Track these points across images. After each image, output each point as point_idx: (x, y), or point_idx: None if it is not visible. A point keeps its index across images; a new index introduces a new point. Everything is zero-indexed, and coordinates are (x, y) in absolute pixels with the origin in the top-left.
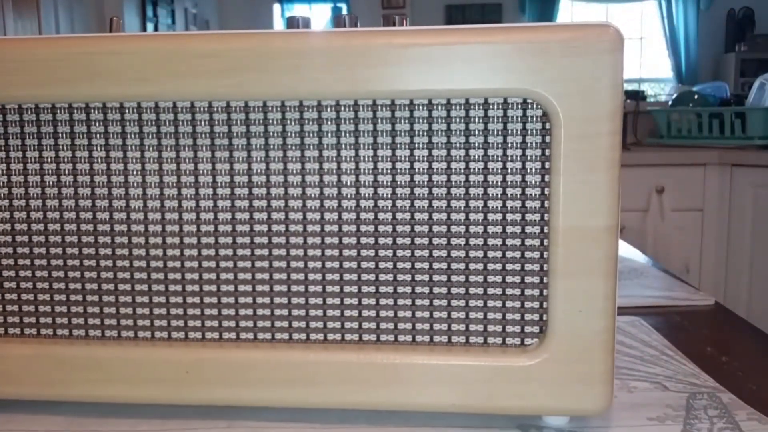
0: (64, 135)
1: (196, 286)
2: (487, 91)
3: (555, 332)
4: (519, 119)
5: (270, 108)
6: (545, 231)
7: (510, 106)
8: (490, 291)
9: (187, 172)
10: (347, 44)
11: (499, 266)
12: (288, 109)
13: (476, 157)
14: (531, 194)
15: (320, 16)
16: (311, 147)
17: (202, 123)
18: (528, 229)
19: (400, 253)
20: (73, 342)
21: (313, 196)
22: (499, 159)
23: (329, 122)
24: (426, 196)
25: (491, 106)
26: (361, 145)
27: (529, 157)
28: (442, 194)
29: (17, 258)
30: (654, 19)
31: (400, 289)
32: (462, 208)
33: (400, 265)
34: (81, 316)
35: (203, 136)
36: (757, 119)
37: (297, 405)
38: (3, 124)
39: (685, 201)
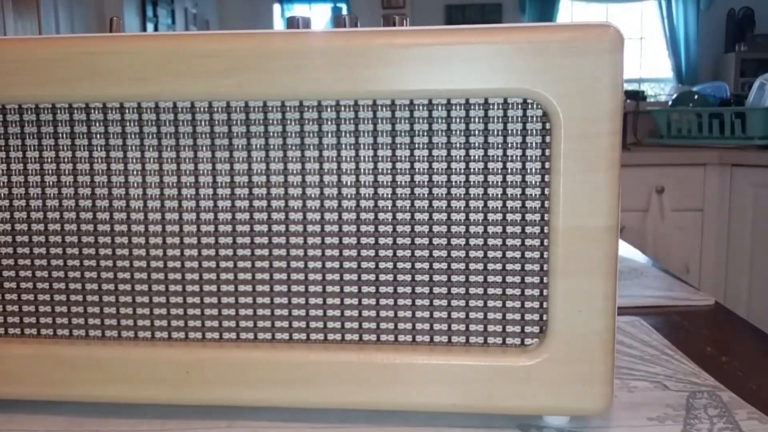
0: (64, 135)
1: (197, 286)
2: (487, 91)
3: (555, 332)
4: (519, 119)
5: (270, 108)
6: (545, 231)
7: (510, 106)
8: (491, 291)
9: (188, 172)
10: (347, 44)
11: (499, 266)
12: (288, 109)
13: (476, 157)
14: (531, 194)
15: (320, 17)
16: (311, 147)
17: (203, 123)
18: (528, 229)
19: (400, 253)
20: (73, 342)
21: (313, 196)
22: (499, 159)
23: (329, 122)
24: (426, 196)
25: (491, 106)
26: (361, 145)
27: (529, 157)
28: (442, 194)
29: (17, 258)
30: (654, 19)
31: (401, 289)
32: (462, 208)
33: (400, 264)
34: (81, 316)
35: (203, 136)
36: (757, 119)
37: (297, 405)
38: (3, 124)
39: (685, 201)
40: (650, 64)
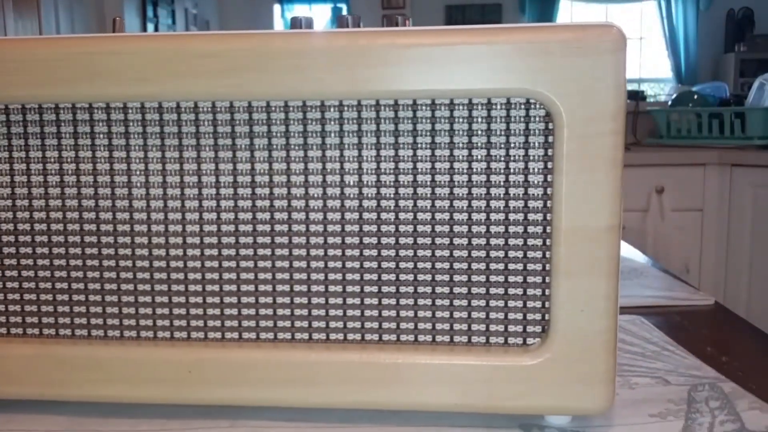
0: (67, 135)
1: (199, 286)
2: (490, 91)
3: (557, 332)
4: (522, 119)
5: (273, 108)
6: (548, 231)
7: (513, 106)
8: (493, 291)
9: (190, 172)
10: (350, 44)
11: (501, 266)
12: (291, 109)
13: (479, 157)
14: (533, 194)
15: (320, 17)
16: (314, 147)
17: (205, 123)
18: (530, 229)
19: (402, 252)
20: (75, 342)
21: (315, 196)
22: (502, 159)
23: (332, 122)
24: (428, 195)
25: (494, 106)
26: (364, 145)
27: (531, 157)
28: (444, 194)
29: (20, 258)
30: (653, 20)
31: (403, 289)
32: (464, 208)
33: (402, 264)
34: (83, 316)
35: (206, 136)
36: (756, 119)
37: (299, 405)
38: (6, 124)
39: (685, 201)
40: (650, 64)
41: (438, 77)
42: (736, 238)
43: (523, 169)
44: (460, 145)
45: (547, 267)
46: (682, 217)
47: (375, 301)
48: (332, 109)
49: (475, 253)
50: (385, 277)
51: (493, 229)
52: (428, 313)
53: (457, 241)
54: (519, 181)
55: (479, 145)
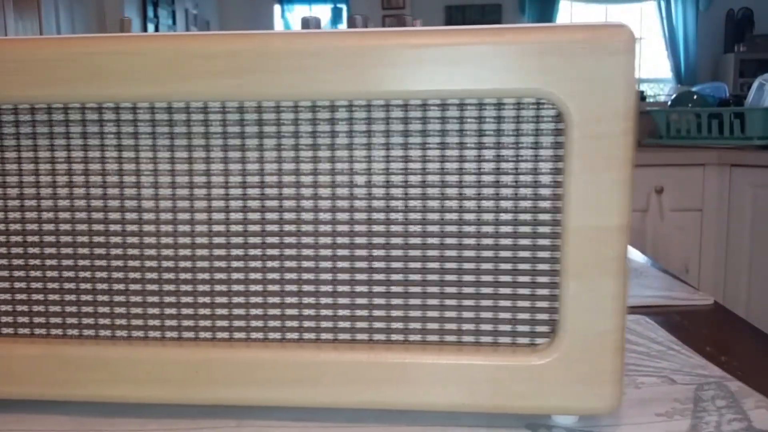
0: (76, 135)
1: (207, 286)
2: (500, 91)
3: (566, 331)
4: (532, 119)
5: (282, 108)
6: (556, 231)
7: (523, 107)
8: (501, 291)
9: (198, 172)
10: (361, 44)
11: (510, 266)
12: (300, 109)
13: (488, 157)
14: (543, 194)
15: (320, 17)
16: (323, 147)
17: (215, 124)
18: (539, 229)
19: (411, 252)
20: (82, 342)
21: (324, 195)
22: (512, 159)
23: (342, 123)
24: (438, 195)
25: (504, 107)
26: (374, 146)
27: (541, 157)
28: (453, 194)
29: (27, 258)
30: (653, 20)
31: (411, 289)
32: (474, 208)
33: (411, 264)
34: (91, 317)
35: (215, 136)
36: (756, 119)
37: (306, 405)
38: (15, 124)
39: (685, 201)
40: (649, 65)
41: (448, 77)
42: (736, 238)
43: (533, 169)
44: (470, 145)
45: (556, 267)
46: (681, 217)
47: (383, 301)
48: (342, 110)
49: (483, 253)
50: (393, 277)
51: (502, 229)
52: (436, 313)
53: (465, 241)
54: (528, 181)
55: (489, 145)
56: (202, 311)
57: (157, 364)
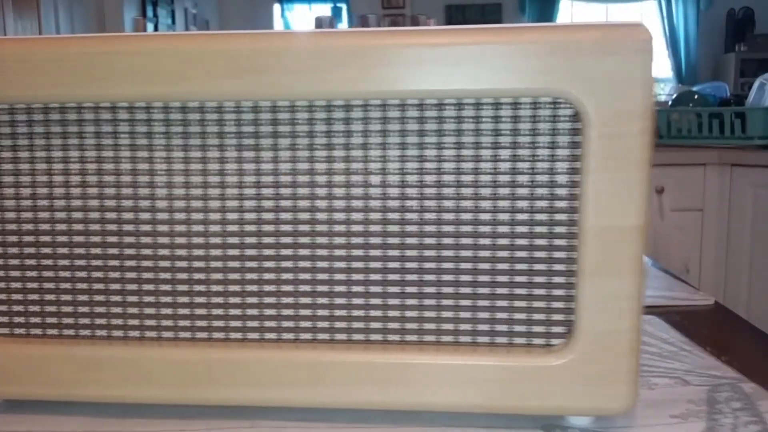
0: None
1: (221, 287)
2: (517, 90)
3: (581, 332)
4: (548, 119)
5: (297, 108)
6: (572, 231)
7: (539, 106)
8: (517, 291)
9: (212, 172)
10: (378, 44)
11: (525, 266)
12: (316, 109)
13: (504, 156)
14: (559, 194)
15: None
16: (338, 147)
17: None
18: (556, 229)
19: (426, 253)
20: (94, 342)
21: (338, 195)
22: (528, 159)
23: (357, 122)
24: (453, 195)
25: (520, 106)
26: (389, 146)
27: (558, 157)
28: (469, 194)
29: (40, 259)
30: (654, 19)
31: (426, 289)
32: (489, 208)
33: (426, 265)
34: (104, 317)
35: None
36: (757, 119)
37: (321, 405)
38: (28, 124)
39: (685, 201)
40: None
41: (464, 77)
42: (736, 238)
43: (549, 169)
44: (486, 144)
45: (572, 267)
46: (682, 217)
47: (397, 301)
48: (357, 109)
49: (499, 253)
50: (408, 277)
51: (518, 229)
52: (451, 314)
53: (481, 241)
54: (545, 181)
55: (505, 144)
56: (215, 312)
57: (170, 365)
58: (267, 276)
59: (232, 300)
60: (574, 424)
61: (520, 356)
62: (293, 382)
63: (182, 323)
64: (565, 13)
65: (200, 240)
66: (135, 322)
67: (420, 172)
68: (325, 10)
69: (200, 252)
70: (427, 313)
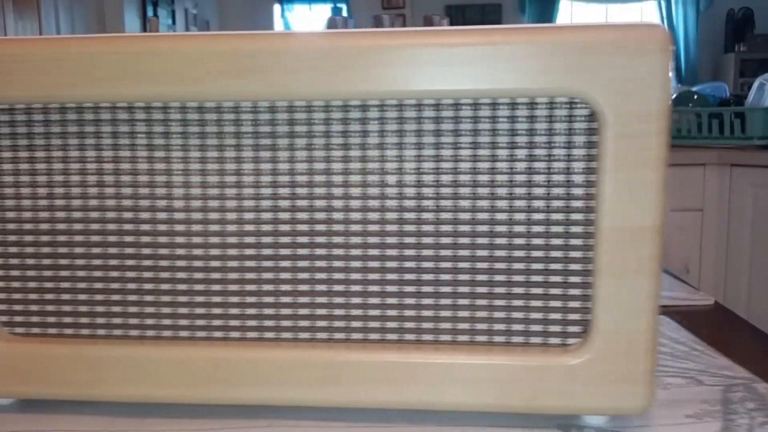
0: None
1: (237, 286)
2: (533, 90)
3: (598, 332)
4: (565, 119)
5: (314, 108)
6: (589, 231)
7: (556, 106)
8: (533, 291)
9: (230, 172)
10: (392, 44)
11: (542, 266)
12: (332, 109)
13: (521, 156)
14: (575, 194)
15: (320, 17)
16: (355, 147)
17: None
18: (572, 229)
19: (442, 252)
20: (110, 342)
21: (355, 195)
22: (544, 158)
23: (373, 123)
24: (470, 195)
25: (537, 106)
26: (405, 146)
27: (574, 157)
28: (485, 194)
29: (57, 258)
30: (653, 20)
31: (442, 289)
32: (506, 208)
33: (442, 264)
34: (120, 316)
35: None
36: (756, 119)
37: (338, 405)
38: (45, 124)
39: (685, 201)
40: None
41: (482, 77)
42: (736, 238)
43: (566, 169)
44: (502, 144)
45: (588, 267)
46: (681, 217)
47: (413, 301)
48: (374, 109)
49: (515, 253)
50: (425, 277)
51: (534, 228)
52: (467, 313)
53: (497, 241)
54: (561, 181)
55: (521, 144)
56: (232, 311)
57: (186, 364)
58: (283, 276)
59: (249, 300)
60: (590, 423)
61: (536, 356)
62: (309, 381)
63: (199, 323)
64: (564, 13)
65: (216, 240)
66: (151, 321)
67: (436, 172)
68: (325, 10)
69: (216, 252)
70: (443, 313)
